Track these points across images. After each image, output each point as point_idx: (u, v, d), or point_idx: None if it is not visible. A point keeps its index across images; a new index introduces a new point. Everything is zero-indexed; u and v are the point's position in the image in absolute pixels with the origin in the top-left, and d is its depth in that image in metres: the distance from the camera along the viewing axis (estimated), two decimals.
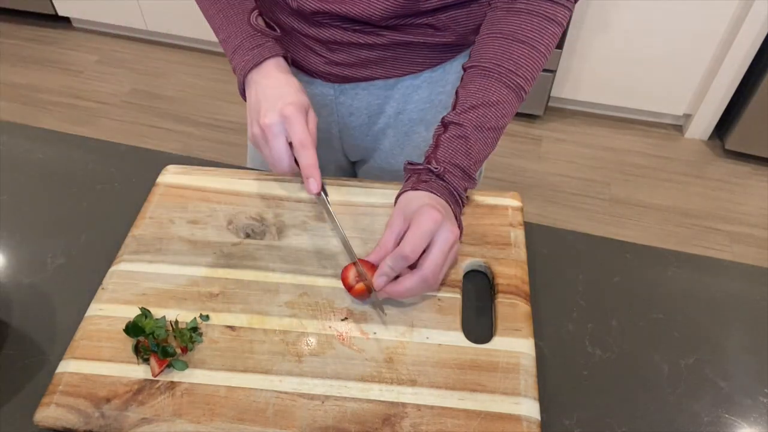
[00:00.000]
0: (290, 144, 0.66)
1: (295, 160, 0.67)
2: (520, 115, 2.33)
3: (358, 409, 0.55)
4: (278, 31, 0.74)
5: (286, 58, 0.72)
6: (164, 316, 0.60)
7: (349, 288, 0.62)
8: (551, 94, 2.28)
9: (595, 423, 0.57)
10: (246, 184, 0.75)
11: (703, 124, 2.23)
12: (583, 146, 2.25)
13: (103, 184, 0.79)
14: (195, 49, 2.64)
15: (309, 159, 0.65)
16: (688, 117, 2.27)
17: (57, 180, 0.80)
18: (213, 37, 0.76)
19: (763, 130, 2.05)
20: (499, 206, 0.72)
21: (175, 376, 0.57)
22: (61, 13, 2.65)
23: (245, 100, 0.72)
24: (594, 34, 2.07)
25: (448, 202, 0.64)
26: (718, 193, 2.09)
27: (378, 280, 0.59)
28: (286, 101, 0.66)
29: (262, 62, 0.69)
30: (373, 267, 0.61)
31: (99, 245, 0.71)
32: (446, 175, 0.65)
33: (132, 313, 0.61)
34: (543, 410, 0.56)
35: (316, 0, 0.70)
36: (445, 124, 0.68)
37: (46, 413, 0.54)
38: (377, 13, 0.69)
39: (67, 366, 0.57)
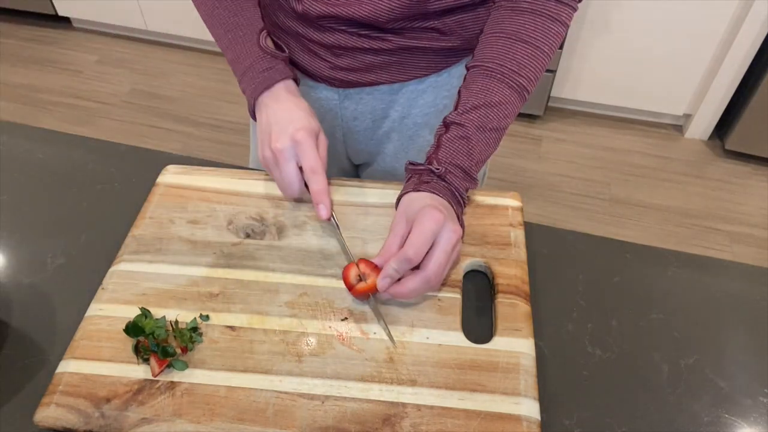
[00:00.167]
0: (300, 168, 0.67)
1: (306, 185, 0.68)
2: (520, 115, 2.33)
3: (358, 409, 0.55)
4: (287, 52, 0.74)
5: (296, 81, 0.73)
6: (164, 316, 0.60)
7: (350, 287, 0.62)
8: (551, 94, 2.28)
9: (595, 423, 0.57)
10: (246, 184, 0.75)
11: (703, 124, 2.23)
12: (583, 146, 2.25)
13: (103, 184, 0.79)
14: (195, 49, 2.65)
15: (319, 185, 0.66)
16: (688, 117, 2.27)
17: (57, 180, 0.80)
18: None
19: (763, 130, 2.05)
20: (499, 206, 0.72)
21: (175, 376, 0.57)
22: (61, 13, 2.65)
23: (254, 120, 0.72)
24: (594, 34, 2.07)
25: (450, 203, 0.64)
26: (718, 193, 2.09)
27: (382, 282, 0.59)
28: (297, 126, 0.66)
29: (272, 85, 0.70)
30: (376, 267, 0.61)
31: (99, 245, 0.71)
32: (448, 176, 0.65)
33: (132, 313, 0.61)
34: (543, 410, 0.56)
35: (321, 3, 0.70)
36: (446, 125, 0.68)
37: (46, 413, 0.54)
38: (383, 14, 0.68)
39: (67, 366, 0.57)
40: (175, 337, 0.58)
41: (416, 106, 0.82)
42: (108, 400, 0.55)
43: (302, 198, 0.71)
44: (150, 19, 2.53)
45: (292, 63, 0.82)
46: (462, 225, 0.65)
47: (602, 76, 2.18)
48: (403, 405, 0.55)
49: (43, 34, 2.72)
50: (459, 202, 0.66)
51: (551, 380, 0.60)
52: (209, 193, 0.74)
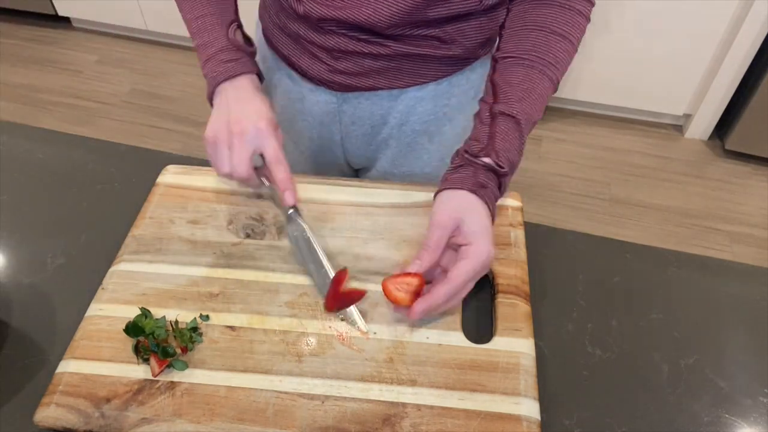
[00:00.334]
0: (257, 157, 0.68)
1: (263, 176, 0.70)
2: None
3: (358, 409, 0.55)
4: (255, 46, 0.75)
5: (260, 77, 0.73)
6: (164, 316, 0.60)
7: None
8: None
9: (595, 423, 0.57)
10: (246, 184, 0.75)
11: (703, 124, 2.23)
12: (583, 146, 2.25)
13: (103, 184, 0.79)
14: (195, 49, 2.64)
15: (284, 173, 0.67)
16: (688, 117, 2.27)
17: (57, 180, 0.80)
18: None
19: (763, 130, 2.05)
20: (499, 206, 0.72)
21: (175, 376, 0.57)
22: (61, 13, 2.65)
23: (212, 105, 0.72)
24: (594, 34, 2.07)
25: (491, 210, 0.62)
26: (718, 193, 2.09)
27: (419, 311, 0.57)
28: (260, 115, 0.67)
29: (235, 77, 0.70)
30: (408, 275, 0.58)
31: (99, 245, 0.71)
32: (505, 179, 0.63)
33: (132, 313, 0.61)
34: (543, 410, 0.56)
35: (322, 6, 0.69)
36: (493, 114, 0.64)
37: (46, 413, 0.54)
38: (383, 20, 0.68)
39: (67, 366, 0.57)
40: (175, 337, 0.58)
41: (415, 114, 0.81)
42: (108, 400, 0.55)
43: (244, 179, 0.69)
44: (150, 19, 2.53)
45: (291, 65, 0.81)
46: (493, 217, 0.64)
47: (602, 76, 2.18)
48: (403, 405, 0.55)
49: (43, 34, 2.72)
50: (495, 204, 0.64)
51: (551, 380, 0.60)
52: (209, 193, 0.74)
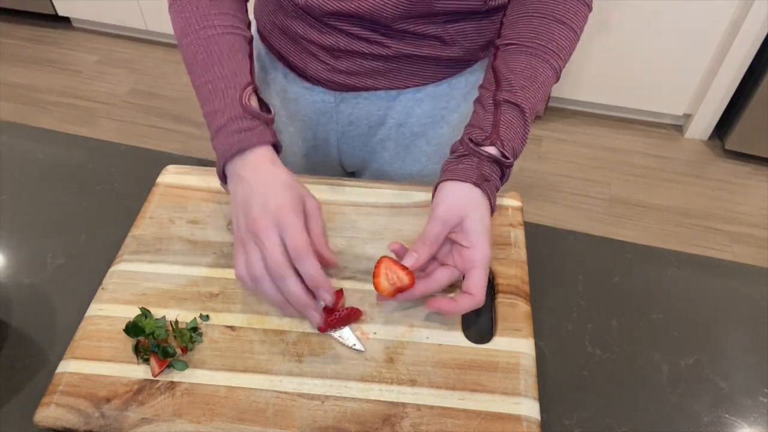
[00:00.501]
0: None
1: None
2: None
3: (358, 409, 0.55)
4: (273, 113, 0.64)
5: (276, 147, 0.63)
6: (164, 316, 0.60)
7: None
8: (551, 94, 2.28)
9: (595, 423, 0.57)
10: None
11: (703, 124, 2.23)
12: (583, 146, 2.25)
13: (103, 184, 0.79)
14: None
15: (313, 268, 0.56)
16: (688, 117, 2.27)
17: (57, 180, 0.80)
18: None
19: (763, 130, 2.05)
20: (499, 206, 0.72)
21: (175, 376, 0.57)
22: (61, 13, 2.65)
23: (222, 183, 0.64)
24: (594, 34, 2.07)
25: (491, 204, 0.61)
26: (718, 193, 2.09)
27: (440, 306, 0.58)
28: (278, 201, 0.57)
29: (246, 150, 0.60)
30: (404, 269, 0.57)
31: (99, 245, 0.71)
32: (510, 169, 0.62)
33: (132, 313, 0.61)
34: (543, 410, 0.56)
35: None
36: (497, 102, 0.62)
37: (46, 413, 0.54)
38: (388, 10, 0.66)
39: (67, 366, 0.57)
40: (175, 337, 0.58)
41: (413, 115, 0.81)
42: (108, 400, 0.55)
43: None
44: (150, 19, 2.53)
45: (288, 64, 0.81)
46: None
47: (602, 76, 2.18)
48: (403, 405, 0.55)
49: (43, 34, 2.72)
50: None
51: (551, 380, 0.60)
52: (209, 193, 0.74)
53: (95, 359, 0.58)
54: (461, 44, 0.74)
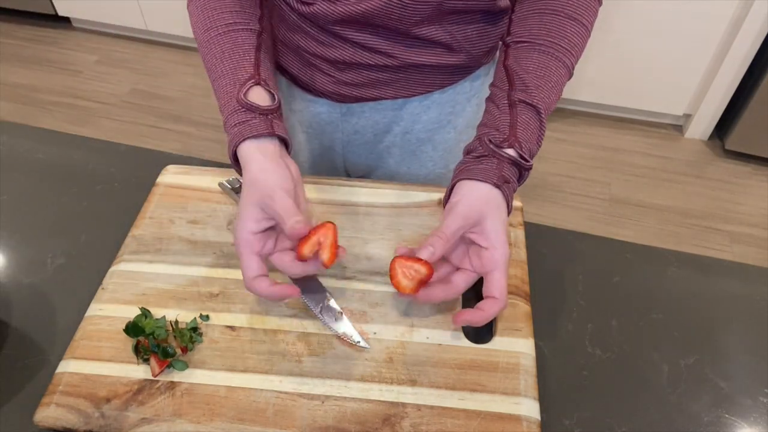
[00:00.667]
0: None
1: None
2: None
3: (358, 409, 0.55)
4: (276, 102, 0.62)
5: (280, 138, 0.61)
6: (164, 316, 0.60)
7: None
8: None
9: (595, 423, 0.57)
10: None
11: (703, 124, 2.23)
12: (583, 146, 2.25)
13: (103, 184, 0.79)
14: (195, 49, 2.64)
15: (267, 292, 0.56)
16: (688, 117, 2.27)
17: (57, 180, 0.80)
18: None
19: (763, 130, 2.05)
20: None
21: (175, 376, 0.57)
22: (61, 13, 2.65)
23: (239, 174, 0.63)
24: (594, 34, 2.06)
25: (508, 207, 0.60)
26: (718, 193, 2.09)
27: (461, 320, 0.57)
28: (242, 226, 0.56)
29: (241, 143, 0.59)
30: (418, 261, 0.56)
31: (99, 245, 0.71)
32: (528, 172, 0.60)
33: (132, 313, 0.61)
34: (543, 410, 0.56)
35: (329, 3, 0.64)
36: (512, 102, 0.61)
37: (46, 413, 0.54)
38: (396, 11, 0.63)
39: (67, 366, 0.57)
40: (175, 337, 0.58)
41: (419, 122, 0.81)
42: (108, 400, 0.55)
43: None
44: (150, 19, 2.53)
45: (292, 77, 0.79)
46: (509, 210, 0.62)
47: (602, 76, 2.18)
48: (403, 405, 0.55)
49: (43, 34, 2.72)
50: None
51: (551, 380, 0.60)
52: (209, 193, 0.74)
53: (95, 359, 0.58)
54: (467, 51, 0.73)
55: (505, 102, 0.61)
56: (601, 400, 0.59)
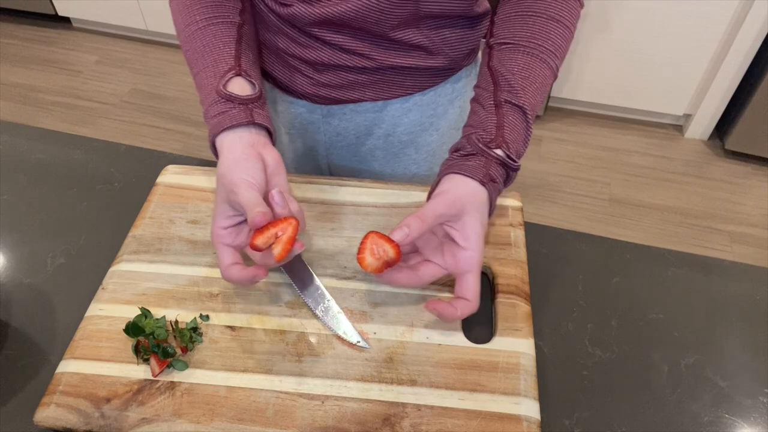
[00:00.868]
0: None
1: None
2: None
3: (358, 409, 0.55)
4: (257, 89, 0.63)
5: (263, 127, 0.62)
6: (164, 316, 0.60)
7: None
8: (551, 94, 2.28)
9: (595, 423, 0.57)
10: None
11: (703, 124, 2.23)
12: (583, 146, 2.25)
13: (103, 184, 0.79)
14: None
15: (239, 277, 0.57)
16: (688, 117, 2.27)
17: (57, 180, 0.80)
18: None
19: (763, 130, 2.05)
20: (499, 206, 0.72)
21: (175, 376, 0.57)
22: (61, 13, 2.65)
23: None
24: (594, 34, 2.07)
25: (491, 208, 0.60)
26: (718, 193, 2.09)
27: (442, 312, 0.57)
28: (216, 223, 0.59)
29: (218, 134, 0.60)
30: (390, 242, 0.55)
31: (99, 245, 0.71)
32: (515, 173, 0.61)
33: (132, 313, 0.61)
34: (543, 410, 0.56)
35: (306, 4, 0.65)
36: (498, 102, 0.61)
37: (46, 413, 0.54)
38: (373, 14, 0.64)
39: (67, 366, 0.57)
40: (175, 337, 0.58)
41: (401, 125, 0.80)
42: (108, 400, 0.55)
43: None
44: (150, 19, 2.53)
45: (273, 79, 0.79)
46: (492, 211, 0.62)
47: (602, 76, 2.18)
48: (403, 405, 0.55)
49: (43, 34, 2.72)
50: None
51: (551, 380, 0.60)
52: (209, 193, 0.74)
53: (95, 359, 0.58)
54: (446, 53, 0.73)
55: (491, 103, 0.61)
56: (601, 400, 0.59)
